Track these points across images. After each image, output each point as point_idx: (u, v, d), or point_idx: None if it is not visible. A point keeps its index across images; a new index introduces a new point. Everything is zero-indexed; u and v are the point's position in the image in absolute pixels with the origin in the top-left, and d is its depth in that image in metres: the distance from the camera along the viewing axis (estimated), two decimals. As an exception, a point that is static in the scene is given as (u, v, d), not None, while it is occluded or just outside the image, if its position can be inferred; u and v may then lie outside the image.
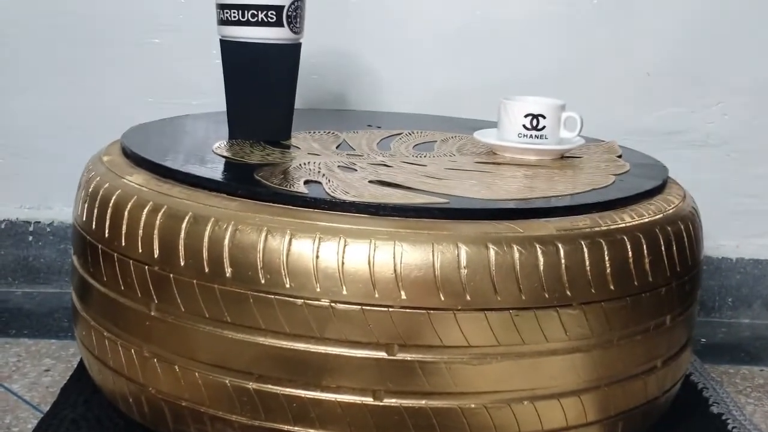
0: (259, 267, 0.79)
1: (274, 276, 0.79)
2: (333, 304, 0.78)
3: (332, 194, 0.83)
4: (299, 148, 1.04)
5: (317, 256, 0.78)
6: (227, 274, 0.80)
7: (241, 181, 0.87)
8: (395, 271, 0.77)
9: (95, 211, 0.90)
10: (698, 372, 1.22)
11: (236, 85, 1.06)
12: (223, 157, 0.98)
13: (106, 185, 0.91)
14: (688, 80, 1.45)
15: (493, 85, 1.33)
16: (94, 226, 0.90)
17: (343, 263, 0.78)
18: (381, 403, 0.80)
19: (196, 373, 0.83)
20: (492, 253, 0.78)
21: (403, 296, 0.78)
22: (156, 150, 0.98)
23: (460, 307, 0.78)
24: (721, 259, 1.49)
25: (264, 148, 1.02)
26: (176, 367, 0.84)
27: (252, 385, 0.81)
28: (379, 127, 1.21)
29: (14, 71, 1.41)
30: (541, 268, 0.79)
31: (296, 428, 0.81)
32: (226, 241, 0.80)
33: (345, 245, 0.78)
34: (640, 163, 1.08)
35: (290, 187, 0.85)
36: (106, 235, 0.88)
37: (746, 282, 1.50)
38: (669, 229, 0.89)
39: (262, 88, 1.05)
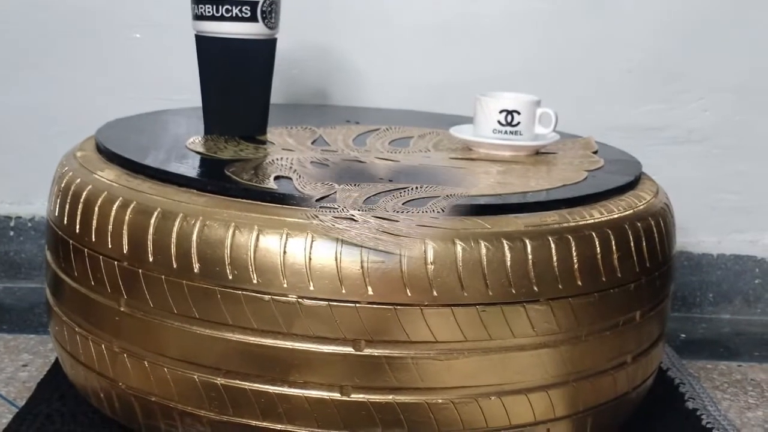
0: (226, 263, 0.79)
1: (242, 272, 0.79)
2: (300, 300, 0.78)
3: (301, 190, 0.83)
4: (274, 143, 1.04)
5: (284, 252, 0.78)
6: (195, 270, 0.80)
7: (211, 177, 0.88)
8: (362, 266, 0.78)
9: (66, 206, 0.90)
10: (675, 367, 1.22)
11: (211, 80, 1.06)
12: (196, 152, 0.98)
13: (78, 180, 0.91)
14: (669, 76, 1.45)
15: (475, 80, 1.33)
16: (65, 221, 0.90)
17: (310, 259, 0.78)
18: (348, 399, 0.80)
19: (165, 369, 0.83)
20: (459, 248, 0.79)
21: (370, 292, 0.78)
22: (130, 145, 0.98)
23: (426, 303, 0.78)
24: (702, 255, 1.50)
25: (238, 143, 1.02)
26: (145, 363, 0.84)
27: (220, 381, 0.81)
28: (358, 123, 1.21)
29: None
30: (508, 263, 0.80)
31: (264, 423, 0.81)
32: (194, 237, 0.80)
33: (312, 241, 0.78)
34: (615, 159, 1.08)
35: (260, 183, 0.85)
36: (77, 230, 0.88)
37: (727, 278, 1.50)
38: (639, 225, 0.89)
39: (237, 83, 1.05)
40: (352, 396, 0.80)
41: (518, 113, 1.05)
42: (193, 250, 0.80)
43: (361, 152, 1.02)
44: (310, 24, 1.41)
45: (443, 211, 0.81)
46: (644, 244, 0.89)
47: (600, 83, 1.45)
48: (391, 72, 1.44)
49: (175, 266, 0.81)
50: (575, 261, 0.83)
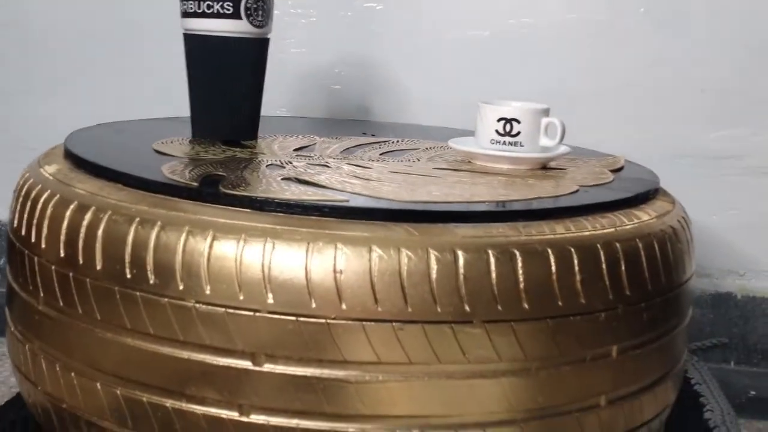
0: (126, 260, 0.73)
1: (140, 271, 0.72)
2: (197, 305, 0.71)
3: (223, 188, 0.76)
4: (252, 148, 0.98)
5: (183, 251, 0.71)
6: (98, 267, 0.74)
7: (137, 171, 0.81)
8: (263, 270, 0.69)
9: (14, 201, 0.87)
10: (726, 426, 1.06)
11: (196, 81, 1.01)
12: (158, 152, 0.92)
13: (26, 176, 0.88)
14: (750, 98, 1.29)
15: (528, 97, 1.22)
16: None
17: (208, 260, 0.70)
18: (248, 420, 0.71)
19: (72, 374, 0.78)
20: (375, 256, 0.69)
21: (270, 300, 0.69)
22: (97, 144, 0.94)
23: (334, 316, 0.69)
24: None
25: (213, 146, 0.97)
26: (57, 367, 0.79)
27: (120, 390, 0.75)
28: (373, 135, 1.13)
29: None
30: (433, 276, 0.69)
31: (161, 441, 0.74)
32: (100, 232, 0.74)
33: (213, 240, 0.70)
34: (633, 178, 0.95)
35: (182, 179, 0.78)
36: (15, 223, 0.85)
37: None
38: (617, 245, 0.76)
39: (220, 84, 1.00)
40: (252, 417, 0.71)
41: (518, 122, 0.94)
42: (98, 245, 0.74)
43: (337, 160, 0.94)
44: (353, 38, 1.35)
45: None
46: (623, 267, 0.76)
47: (669, 104, 1.31)
48: (437, 87, 1.36)
49: (81, 262, 0.75)
50: (521, 279, 0.71)
